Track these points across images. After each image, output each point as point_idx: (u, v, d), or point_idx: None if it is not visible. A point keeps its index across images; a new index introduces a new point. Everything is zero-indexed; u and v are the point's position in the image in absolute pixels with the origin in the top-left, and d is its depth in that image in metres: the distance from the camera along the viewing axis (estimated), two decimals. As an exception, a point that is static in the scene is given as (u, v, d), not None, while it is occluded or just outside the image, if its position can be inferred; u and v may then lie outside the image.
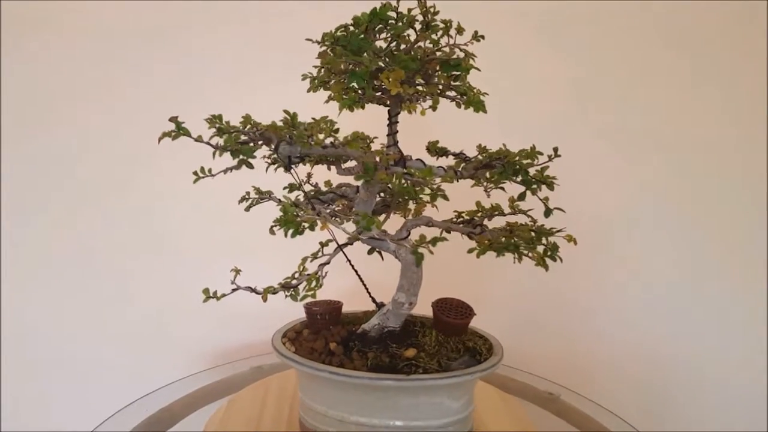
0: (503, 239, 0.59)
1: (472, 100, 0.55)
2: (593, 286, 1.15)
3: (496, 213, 0.68)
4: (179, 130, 0.53)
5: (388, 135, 0.66)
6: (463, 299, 0.73)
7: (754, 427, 1.02)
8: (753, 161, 1.02)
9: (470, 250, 0.59)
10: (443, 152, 0.72)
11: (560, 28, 1.13)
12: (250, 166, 0.56)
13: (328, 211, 0.66)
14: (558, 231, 0.61)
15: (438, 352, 0.65)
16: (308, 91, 0.63)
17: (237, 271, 0.65)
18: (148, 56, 1.09)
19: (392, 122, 0.64)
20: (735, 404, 1.05)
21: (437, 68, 0.56)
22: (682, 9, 1.04)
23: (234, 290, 0.63)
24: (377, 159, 0.59)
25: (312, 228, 0.51)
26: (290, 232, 0.51)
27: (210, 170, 0.59)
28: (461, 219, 0.69)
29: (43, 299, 1.06)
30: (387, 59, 0.55)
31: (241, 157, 0.52)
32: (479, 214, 0.68)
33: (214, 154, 0.54)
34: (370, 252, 0.70)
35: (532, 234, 0.59)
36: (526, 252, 0.57)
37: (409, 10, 0.58)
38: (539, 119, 1.14)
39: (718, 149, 1.05)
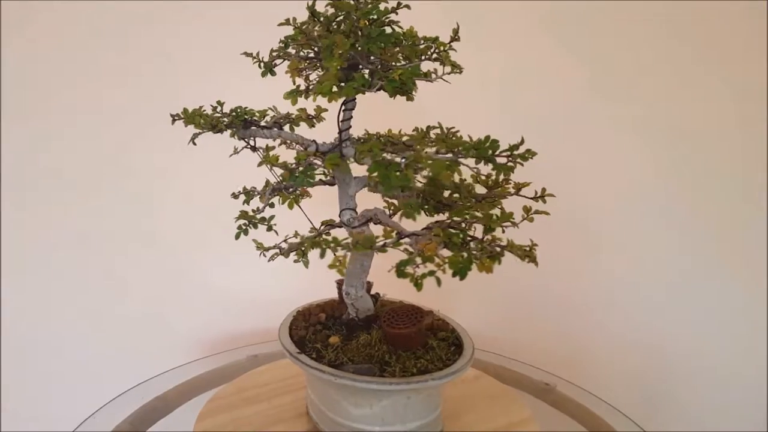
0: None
1: (391, 84, 0.53)
2: (591, 279, 1.12)
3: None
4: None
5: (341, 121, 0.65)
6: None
7: (754, 426, 0.96)
8: (754, 157, 0.96)
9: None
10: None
11: (563, 21, 1.10)
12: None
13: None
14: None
15: (356, 350, 0.63)
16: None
17: (286, 239, 0.68)
18: (147, 44, 1.06)
19: (341, 109, 0.64)
20: (734, 402, 1.00)
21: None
22: (687, 3, 0.99)
23: (274, 246, 0.67)
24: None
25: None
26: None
27: (236, 148, 0.67)
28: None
29: (38, 291, 1.07)
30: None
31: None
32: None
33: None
34: None
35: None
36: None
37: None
38: (538, 114, 1.12)
39: (718, 144, 1.00)
